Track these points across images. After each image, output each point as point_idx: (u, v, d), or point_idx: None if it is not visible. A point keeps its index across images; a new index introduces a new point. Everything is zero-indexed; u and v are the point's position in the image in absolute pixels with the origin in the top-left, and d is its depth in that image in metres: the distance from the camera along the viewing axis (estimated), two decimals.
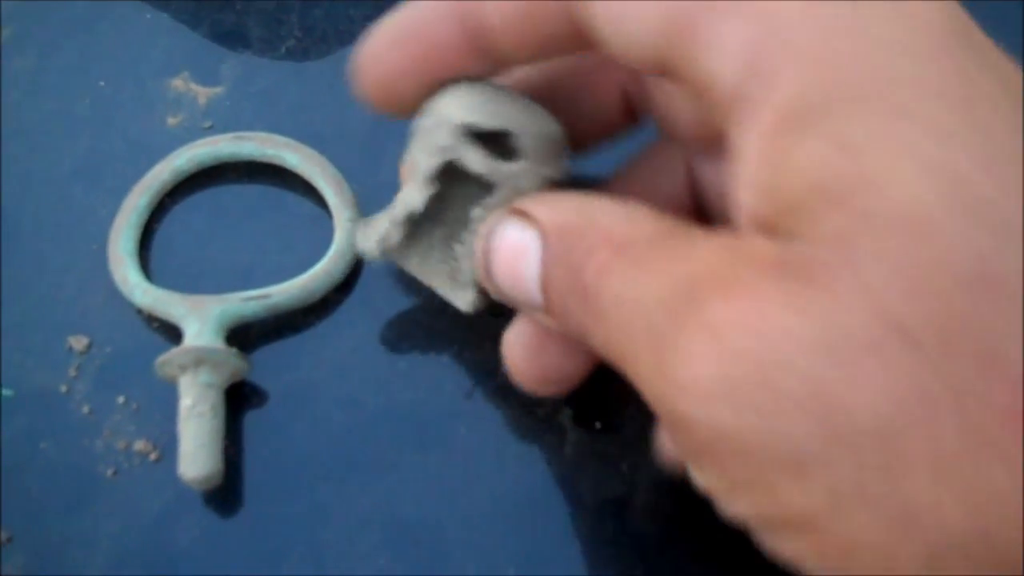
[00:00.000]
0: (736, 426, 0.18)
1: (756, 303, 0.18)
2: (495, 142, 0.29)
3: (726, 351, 0.18)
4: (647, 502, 0.32)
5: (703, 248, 0.20)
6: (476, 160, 0.28)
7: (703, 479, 0.21)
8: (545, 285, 0.22)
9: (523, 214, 0.23)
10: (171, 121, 0.36)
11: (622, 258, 0.20)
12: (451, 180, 0.30)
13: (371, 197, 0.34)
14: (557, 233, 0.22)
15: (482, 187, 0.30)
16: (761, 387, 0.17)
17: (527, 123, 0.28)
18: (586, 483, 0.32)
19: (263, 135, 0.35)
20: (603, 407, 0.33)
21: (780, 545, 0.19)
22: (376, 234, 0.30)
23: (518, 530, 0.31)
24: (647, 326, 0.19)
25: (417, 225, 0.31)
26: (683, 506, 0.32)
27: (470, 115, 0.28)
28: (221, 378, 0.31)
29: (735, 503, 0.20)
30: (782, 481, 0.18)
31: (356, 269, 0.34)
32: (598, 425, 0.33)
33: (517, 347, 0.27)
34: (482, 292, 0.29)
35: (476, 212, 0.28)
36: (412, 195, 0.30)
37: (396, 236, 0.30)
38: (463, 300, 0.30)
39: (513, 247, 0.23)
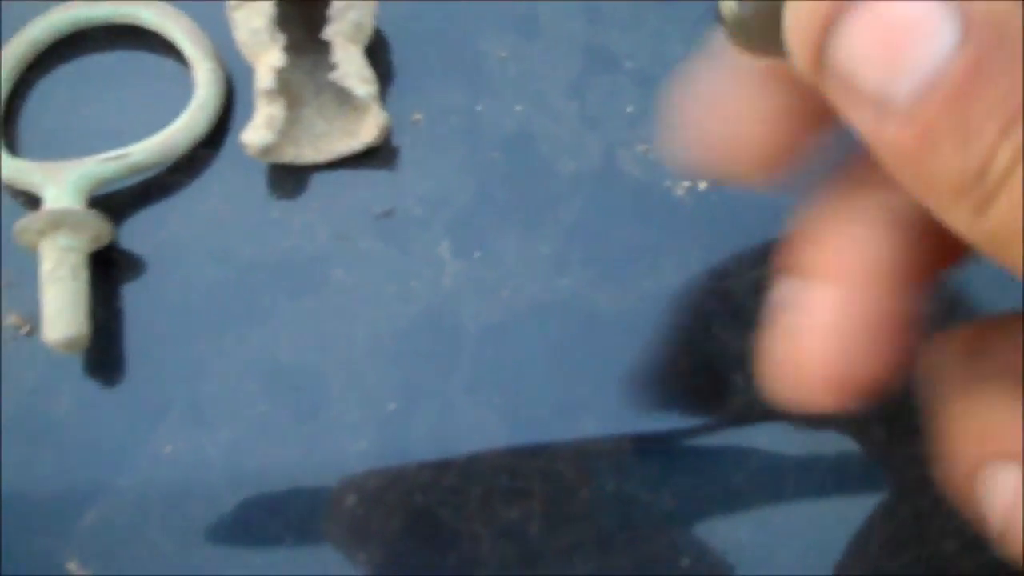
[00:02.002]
0: None
1: None
2: None
3: None
4: (527, 326, 0.31)
5: None
6: None
7: None
8: (941, 86, 0.15)
9: None
10: None
11: None
12: (294, 58, 0.31)
13: (233, 51, 0.32)
14: (994, 29, 0.15)
15: (318, 56, 0.31)
16: None
17: None
18: (466, 312, 0.31)
19: None
20: (482, 236, 0.31)
21: None
22: (256, 123, 0.31)
23: (398, 366, 0.30)
24: None
25: (289, 112, 0.32)
26: (563, 329, 0.31)
27: None
28: (82, 240, 0.31)
29: None
30: None
31: (223, 122, 0.33)
32: (477, 254, 0.31)
33: (810, 342, 0.18)
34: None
35: (327, 32, 0.31)
36: (265, 61, 0.31)
37: (277, 112, 0.31)
38: (369, 132, 0.32)
39: (905, 14, 0.15)
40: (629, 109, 0.33)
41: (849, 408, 0.18)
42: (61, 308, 0.30)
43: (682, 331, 0.30)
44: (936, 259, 0.19)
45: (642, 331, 0.30)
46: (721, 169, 0.19)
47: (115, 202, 0.33)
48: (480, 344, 0.30)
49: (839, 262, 0.18)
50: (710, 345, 0.30)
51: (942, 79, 0.15)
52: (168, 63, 0.34)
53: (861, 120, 0.16)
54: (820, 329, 0.18)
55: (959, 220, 0.15)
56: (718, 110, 0.18)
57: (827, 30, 0.16)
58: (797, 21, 0.16)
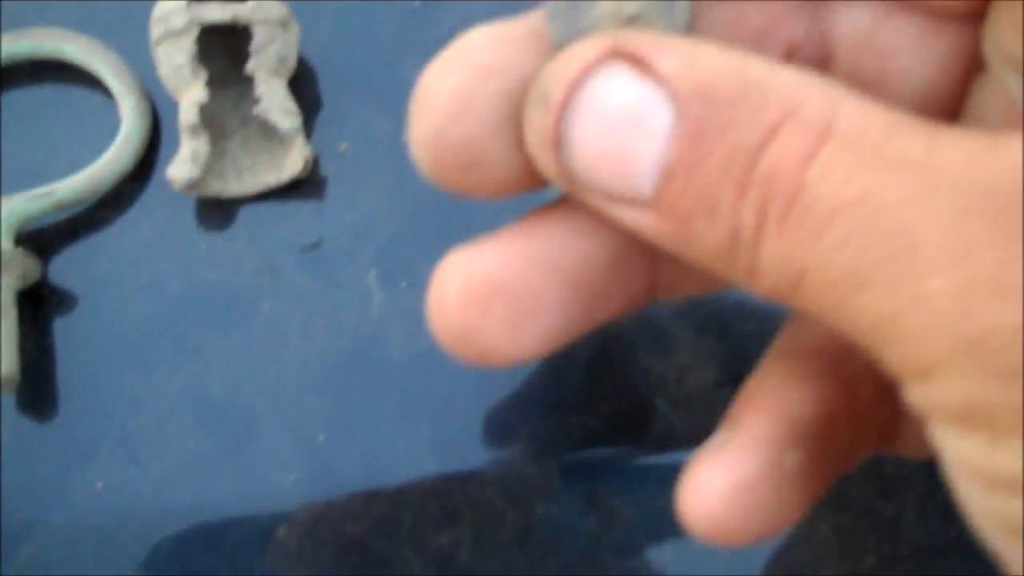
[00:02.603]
0: None
1: None
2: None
3: None
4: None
5: (1006, 151, 0.13)
6: (215, 10, 0.30)
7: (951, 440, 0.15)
8: (672, 169, 0.15)
9: (639, 62, 0.15)
10: None
11: (847, 148, 0.14)
12: (218, 91, 0.31)
13: (158, 84, 0.33)
14: (703, 96, 0.14)
15: (241, 87, 0.31)
16: None
17: None
18: (394, 342, 0.31)
19: (40, 30, 0.34)
20: (408, 266, 0.32)
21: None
22: (182, 158, 0.31)
23: (327, 397, 0.31)
24: (903, 251, 0.13)
25: (214, 145, 0.32)
26: None
27: None
28: (9, 279, 0.31)
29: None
30: None
31: (149, 156, 0.33)
32: (404, 284, 0.32)
33: (457, 291, 0.17)
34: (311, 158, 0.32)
35: (250, 66, 0.31)
36: (189, 96, 0.31)
37: (201, 147, 0.31)
38: (295, 165, 0.32)
39: (621, 110, 0.15)
40: None
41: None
42: None
43: (606, 357, 0.31)
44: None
45: (567, 357, 0.31)
46: (460, 176, 0.17)
47: (43, 238, 0.33)
48: (408, 374, 0.31)
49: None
50: (633, 370, 0.31)
51: (672, 162, 0.15)
52: (93, 96, 0.34)
53: (619, 218, 0.16)
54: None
55: (743, 285, 0.15)
56: (471, 112, 0.17)
57: (557, 144, 0.16)
58: (529, 139, 0.16)
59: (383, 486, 0.30)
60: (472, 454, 0.30)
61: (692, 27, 0.16)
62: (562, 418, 0.30)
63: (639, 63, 0.15)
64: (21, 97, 0.34)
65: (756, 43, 0.17)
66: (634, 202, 0.15)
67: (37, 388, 0.31)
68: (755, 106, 0.14)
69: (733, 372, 0.30)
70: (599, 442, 0.30)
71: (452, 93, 0.16)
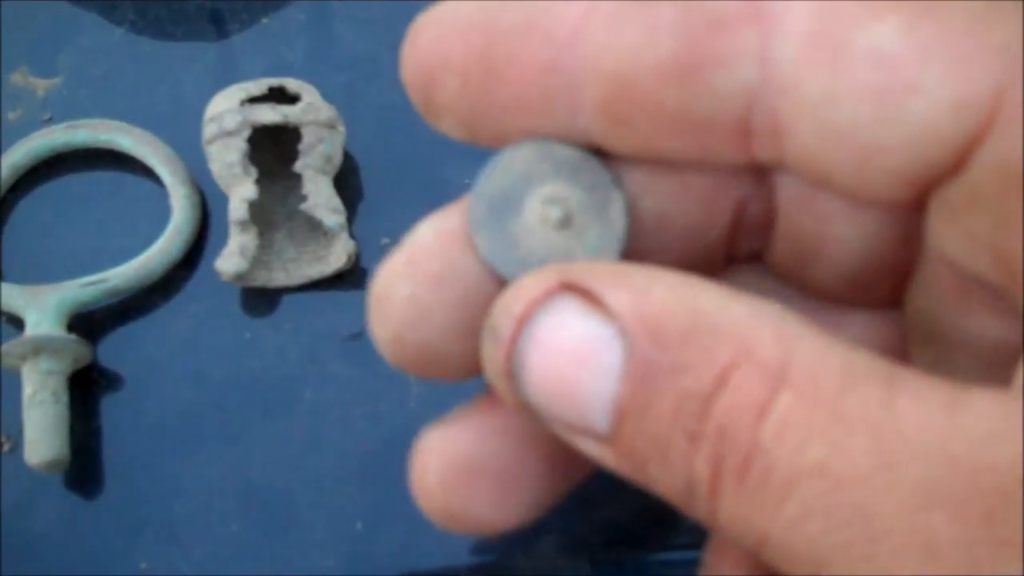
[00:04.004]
0: None
1: None
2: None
3: None
4: None
5: (977, 408, 0.13)
6: (267, 112, 0.31)
7: None
8: (624, 410, 0.14)
9: (588, 296, 0.15)
10: (11, 116, 0.37)
11: (802, 402, 0.13)
12: (266, 185, 0.33)
13: (207, 173, 0.34)
14: (652, 335, 0.14)
15: (289, 181, 0.32)
16: None
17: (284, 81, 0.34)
18: None
19: (96, 121, 0.35)
20: None
21: None
22: (230, 251, 0.32)
23: (365, 486, 0.32)
24: (866, 539, 0.13)
25: (261, 236, 0.34)
26: None
27: (238, 94, 0.33)
28: (62, 365, 0.32)
29: None
30: None
31: (198, 244, 0.35)
32: None
33: (438, 472, 0.18)
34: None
35: (298, 165, 0.33)
36: (239, 193, 0.32)
37: (249, 241, 0.33)
38: (339, 259, 0.33)
39: (571, 346, 0.15)
40: None
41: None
42: (43, 431, 0.31)
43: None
44: None
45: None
46: (423, 369, 0.18)
47: (93, 321, 0.34)
48: None
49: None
50: None
51: (623, 402, 0.14)
52: (144, 184, 0.36)
53: (580, 447, 0.15)
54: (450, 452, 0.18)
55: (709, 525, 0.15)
56: (426, 319, 0.17)
57: (510, 377, 0.15)
58: (486, 368, 0.16)
59: (419, 575, 0.31)
60: (505, 547, 0.31)
61: (629, 221, 0.16)
62: (593, 513, 0.31)
63: (588, 297, 0.14)
64: (76, 184, 0.36)
65: (707, 205, 0.17)
66: (593, 436, 0.15)
67: (84, 468, 0.32)
68: (704, 348, 0.14)
69: None
70: (630, 537, 0.31)
71: (407, 302, 0.17)
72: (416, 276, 0.17)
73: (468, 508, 0.17)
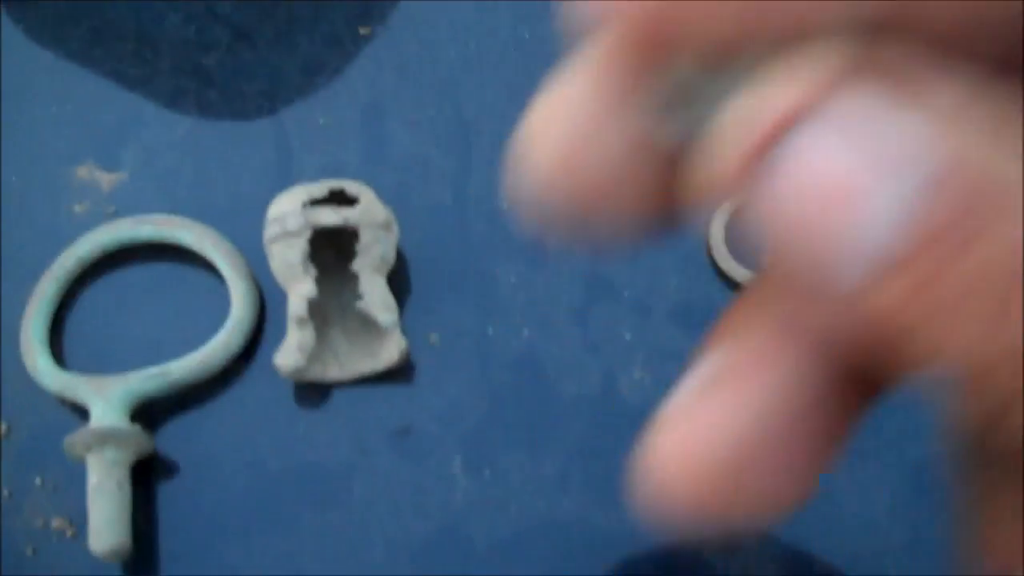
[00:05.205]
0: None
1: None
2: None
3: None
4: (533, 543, 0.33)
5: None
6: (328, 215, 0.32)
7: None
8: (898, 263, 0.11)
9: (895, 92, 0.11)
10: (77, 208, 0.38)
11: None
12: (322, 282, 0.35)
13: (267, 269, 0.36)
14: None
15: (344, 277, 0.34)
16: None
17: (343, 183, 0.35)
18: (476, 529, 0.34)
19: (160, 217, 0.37)
20: (491, 454, 0.34)
21: None
22: (289, 347, 0.33)
23: None
24: None
25: (317, 332, 0.35)
26: (565, 548, 0.33)
27: (300, 196, 0.34)
28: (126, 455, 0.33)
29: None
30: None
31: (255, 339, 0.36)
32: (487, 472, 0.34)
33: (709, 472, 0.13)
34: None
35: (355, 265, 0.34)
36: (298, 291, 0.33)
37: (307, 337, 0.34)
38: (391, 355, 0.35)
39: (843, 167, 0.11)
40: (627, 336, 0.36)
41: (727, 530, 0.14)
42: (107, 520, 0.33)
43: (672, 555, 0.33)
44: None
45: (636, 552, 0.33)
46: (580, 212, 0.14)
47: (153, 411, 0.35)
48: (488, 560, 0.33)
49: (770, 347, 0.14)
50: (699, 568, 0.33)
51: (903, 250, 0.11)
52: (204, 278, 0.37)
53: (816, 312, 0.12)
54: (722, 422, 0.14)
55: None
56: (581, 138, 0.13)
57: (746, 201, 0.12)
58: (700, 188, 0.12)
59: None
60: None
61: None
62: None
63: (896, 92, 0.11)
64: (138, 277, 0.37)
65: None
66: (841, 291, 0.11)
67: (144, 556, 0.34)
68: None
69: (795, 572, 0.33)
70: None
71: (579, 115, 0.13)
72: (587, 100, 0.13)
73: (749, 502, 0.14)
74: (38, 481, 0.35)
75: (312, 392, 0.35)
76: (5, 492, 0.35)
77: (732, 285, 0.36)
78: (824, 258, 0.11)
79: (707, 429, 0.13)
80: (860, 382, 0.14)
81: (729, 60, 0.12)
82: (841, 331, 0.12)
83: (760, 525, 0.14)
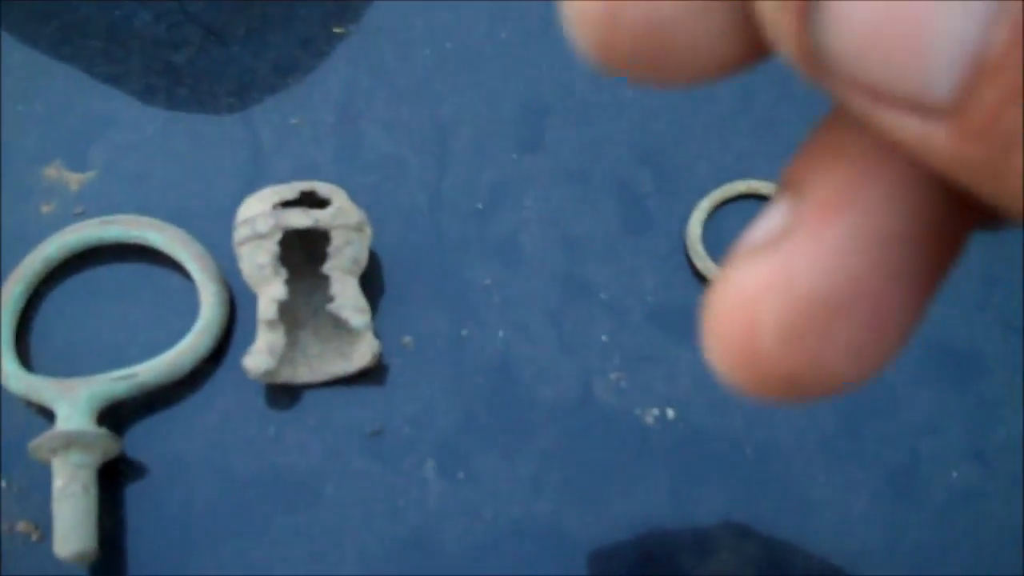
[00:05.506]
0: None
1: None
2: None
3: None
4: (507, 548, 0.33)
5: None
6: (299, 216, 0.32)
7: None
8: (989, 66, 0.09)
9: None
10: (44, 209, 0.38)
11: None
12: (293, 283, 0.34)
13: (238, 271, 0.35)
14: None
15: (315, 279, 0.33)
16: None
17: (315, 185, 0.35)
18: (450, 532, 0.33)
19: (128, 217, 0.36)
20: (465, 457, 0.34)
21: None
22: (259, 349, 0.33)
23: None
24: None
25: (287, 334, 0.35)
26: (539, 551, 0.33)
27: (270, 198, 0.34)
28: (92, 458, 0.33)
29: None
30: None
31: (224, 341, 0.36)
32: (461, 475, 0.34)
33: (778, 322, 0.12)
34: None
35: (326, 267, 0.34)
36: (268, 293, 0.33)
37: (278, 340, 0.34)
38: (363, 357, 0.34)
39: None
40: (604, 338, 0.35)
41: (806, 397, 0.12)
42: (73, 524, 0.32)
43: (646, 559, 0.33)
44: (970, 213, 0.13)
45: (611, 555, 0.33)
46: (645, 61, 0.12)
47: (120, 414, 0.35)
48: (462, 564, 0.33)
49: (849, 187, 0.12)
50: (674, 573, 0.32)
51: (988, 54, 0.10)
52: (173, 279, 0.37)
53: (892, 128, 0.11)
54: (800, 273, 0.12)
55: None
56: None
57: (804, 11, 0.10)
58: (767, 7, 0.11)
59: None
60: None
61: None
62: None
63: None
64: (106, 278, 0.37)
65: None
66: (920, 108, 0.10)
67: (110, 560, 0.33)
68: None
69: (771, 574, 0.32)
70: None
71: None
72: None
73: (823, 362, 0.12)
74: (3, 484, 0.34)
75: (283, 394, 0.35)
76: None
77: (709, 284, 0.36)
78: (910, 70, 0.10)
79: (791, 271, 0.12)
80: (952, 216, 0.12)
81: None
82: (930, 157, 0.11)
83: (839, 388, 0.12)
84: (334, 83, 0.39)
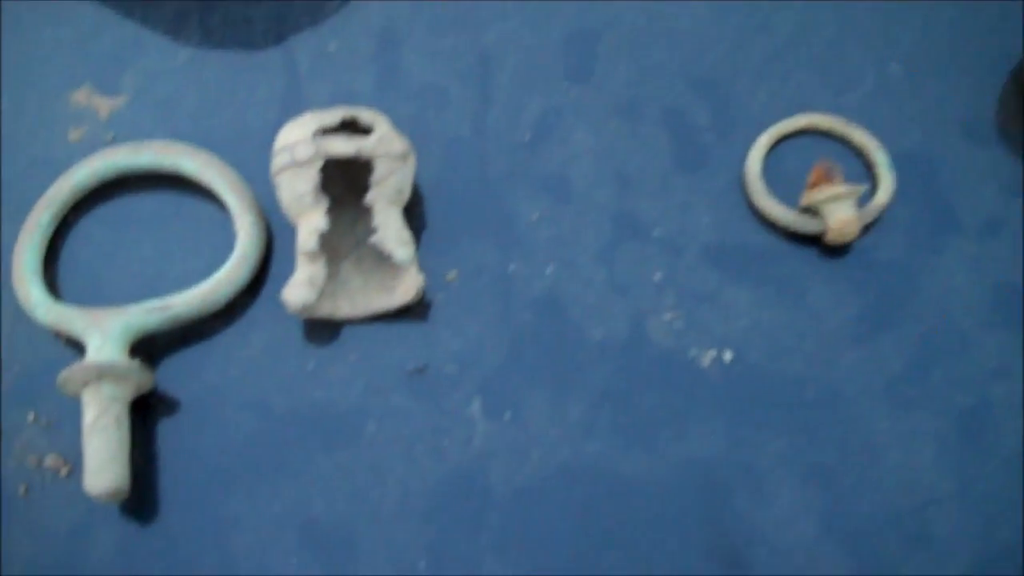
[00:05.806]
0: None
1: None
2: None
3: None
4: (556, 490, 0.32)
5: None
6: (341, 144, 0.30)
7: None
8: None
9: None
10: (73, 135, 0.36)
11: None
12: (334, 214, 0.33)
13: (275, 201, 0.34)
14: None
15: (357, 210, 0.32)
16: None
17: (357, 111, 0.33)
18: (496, 473, 0.32)
19: (161, 143, 0.35)
20: (512, 397, 0.33)
21: None
22: (298, 281, 0.32)
23: (428, 524, 0.31)
24: None
25: (328, 266, 0.33)
26: (590, 494, 0.32)
27: (311, 124, 0.32)
28: (125, 391, 0.31)
29: None
30: None
31: (262, 272, 0.34)
32: (507, 415, 0.32)
33: None
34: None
35: (369, 197, 0.32)
36: (308, 223, 0.31)
37: (318, 272, 0.32)
38: (406, 292, 0.33)
39: None
40: (657, 277, 0.34)
41: None
42: (104, 460, 0.31)
43: (703, 502, 0.31)
44: None
45: (665, 499, 0.31)
46: None
47: (154, 346, 0.33)
48: (509, 506, 0.31)
49: None
50: (728, 517, 0.31)
51: None
52: (207, 208, 0.35)
53: None
54: None
55: None
56: None
57: None
58: None
59: None
60: None
61: None
62: (661, 562, 0.31)
63: None
64: (137, 206, 0.35)
65: None
66: None
67: (142, 496, 0.32)
68: None
69: (832, 525, 0.31)
70: None
71: None
72: None
73: None
74: (31, 417, 0.33)
75: (322, 329, 0.33)
76: None
77: (768, 223, 0.34)
78: None
79: None
80: None
81: None
82: None
83: None
84: (374, 8, 0.38)
